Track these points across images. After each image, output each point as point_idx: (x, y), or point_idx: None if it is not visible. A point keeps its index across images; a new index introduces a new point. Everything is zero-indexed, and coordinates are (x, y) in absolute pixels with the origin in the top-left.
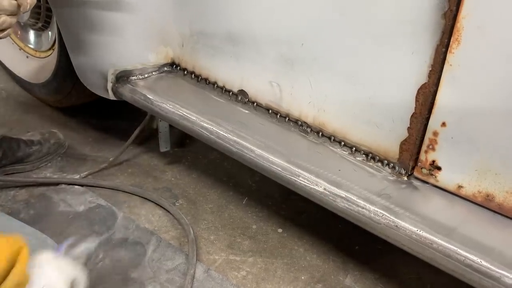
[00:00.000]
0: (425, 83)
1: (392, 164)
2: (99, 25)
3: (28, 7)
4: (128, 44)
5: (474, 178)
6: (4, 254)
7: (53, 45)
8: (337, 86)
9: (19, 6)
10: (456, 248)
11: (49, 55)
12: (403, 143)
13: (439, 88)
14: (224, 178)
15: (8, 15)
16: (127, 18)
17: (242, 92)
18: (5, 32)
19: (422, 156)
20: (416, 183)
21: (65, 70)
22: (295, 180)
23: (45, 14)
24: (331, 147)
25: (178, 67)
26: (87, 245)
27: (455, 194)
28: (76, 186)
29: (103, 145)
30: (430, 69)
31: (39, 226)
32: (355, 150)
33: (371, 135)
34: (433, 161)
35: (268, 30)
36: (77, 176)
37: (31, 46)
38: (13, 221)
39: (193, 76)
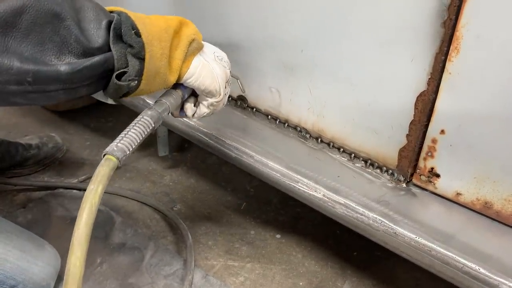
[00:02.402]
0: (424, 90)
1: (390, 171)
2: None
3: None
4: None
5: (472, 185)
6: (171, 16)
7: None
8: (336, 93)
9: None
10: (454, 255)
11: None
12: (402, 150)
13: (438, 96)
14: (223, 183)
15: None
16: None
17: (241, 97)
18: None
19: (421, 163)
20: (415, 190)
21: None
22: (294, 186)
23: None
24: (330, 153)
25: None
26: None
27: (453, 201)
28: (74, 191)
29: (101, 149)
30: (429, 76)
31: (36, 231)
32: (354, 156)
33: (370, 142)
34: (432, 168)
35: (268, 35)
36: (75, 180)
37: None
38: (10, 225)
39: None
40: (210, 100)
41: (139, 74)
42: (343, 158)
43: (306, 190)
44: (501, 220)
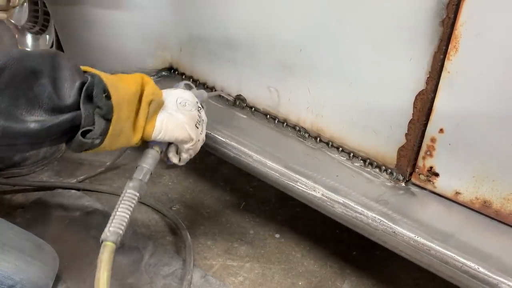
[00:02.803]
0: (423, 89)
1: (389, 170)
2: (97, 29)
3: (17, 1)
4: (127, 48)
5: (471, 184)
6: (137, 78)
7: (51, 48)
8: (335, 92)
9: (8, 0)
10: (453, 255)
11: None
12: (400, 149)
13: (437, 95)
14: (221, 183)
15: None
16: (126, 22)
17: (240, 97)
18: None
19: (420, 162)
20: (414, 189)
21: None
22: (293, 185)
23: (43, 17)
24: (329, 153)
25: (176, 72)
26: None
27: (452, 200)
28: (73, 191)
29: None
30: (428, 75)
31: (35, 231)
32: (353, 155)
33: (369, 141)
34: (431, 167)
35: (267, 35)
36: (74, 180)
37: (29, 50)
38: (9, 225)
39: (191, 81)
40: (186, 146)
41: (104, 133)
42: (342, 158)
43: (305, 190)
44: (500, 219)
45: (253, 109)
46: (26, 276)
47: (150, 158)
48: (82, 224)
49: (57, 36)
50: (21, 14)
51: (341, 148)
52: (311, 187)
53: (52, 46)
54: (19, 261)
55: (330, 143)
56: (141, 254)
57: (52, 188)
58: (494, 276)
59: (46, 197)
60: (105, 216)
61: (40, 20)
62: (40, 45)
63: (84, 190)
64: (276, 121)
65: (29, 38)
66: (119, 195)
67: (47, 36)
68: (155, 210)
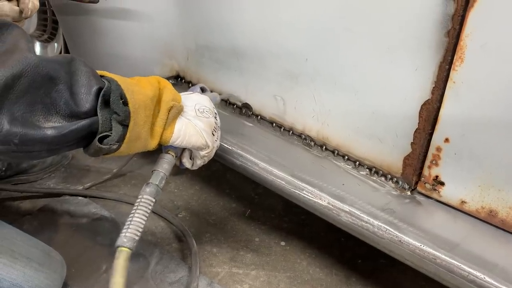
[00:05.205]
0: (429, 99)
1: (395, 179)
2: (105, 38)
3: (30, 12)
4: (134, 56)
5: (477, 193)
6: (154, 81)
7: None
8: (341, 101)
9: (21, 11)
10: (459, 264)
11: None
12: (406, 158)
13: (443, 104)
14: (227, 190)
15: None
16: (133, 31)
17: (246, 105)
18: None
19: (426, 171)
20: (420, 198)
21: None
22: (299, 193)
23: (52, 26)
24: (334, 161)
25: (183, 80)
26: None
27: (458, 209)
28: (80, 197)
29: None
30: (434, 85)
31: (42, 237)
32: (359, 164)
33: (375, 150)
34: (437, 176)
35: (273, 44)
36: (81, 187)
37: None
38: (16, 232)
39: None
40: (201, 153)
41: (121, 139)
42: (348, 166)
43: (311, 198)
44: (506, 228)
45: (259, 117)
46: (35, 284)
47: (166, 163)
48: (89, 230)
49: (65, 44)
50: (30, 23)
51: (347, 157)
52: (317, 196)
53: (60, 54)
54: (27, 269)
55: (336, 151)
56: (147, 261)
57: (59, 195)
58: (500, 286)
59: (53, 204)
60: (112, 223)
61: (48, 28)
62: (48, 53)
63: (91, 197)
64: (282, 130)
65: (37, 47)
66: (126, 202)
67: (55, 44)
68: (161, 217)
